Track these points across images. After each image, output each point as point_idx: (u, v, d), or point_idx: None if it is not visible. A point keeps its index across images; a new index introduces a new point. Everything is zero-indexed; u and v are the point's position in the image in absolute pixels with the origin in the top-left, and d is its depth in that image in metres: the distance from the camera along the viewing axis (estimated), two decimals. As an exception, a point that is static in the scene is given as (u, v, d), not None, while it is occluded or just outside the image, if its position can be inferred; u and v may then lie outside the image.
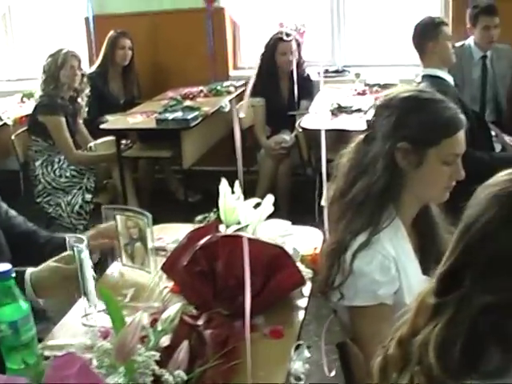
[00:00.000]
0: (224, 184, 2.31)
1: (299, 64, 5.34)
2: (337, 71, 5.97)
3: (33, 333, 1.62)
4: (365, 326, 1.95)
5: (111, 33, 5.79)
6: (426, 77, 4.04)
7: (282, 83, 5.52)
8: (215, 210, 2.29)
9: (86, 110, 5.16)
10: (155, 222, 2.83)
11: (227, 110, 5.27)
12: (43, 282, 1.98)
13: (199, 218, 2.34)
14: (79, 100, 5.04)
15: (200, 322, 1.81)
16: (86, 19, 6.33)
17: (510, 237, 1.08)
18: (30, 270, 2.00)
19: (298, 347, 1.87)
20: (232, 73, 6.23)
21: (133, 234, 2.27)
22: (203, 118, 4.81)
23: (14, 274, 1.59)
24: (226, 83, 5.80)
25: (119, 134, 5.00)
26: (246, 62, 6.06)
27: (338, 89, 5.52)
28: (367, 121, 2.07)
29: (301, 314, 2.07)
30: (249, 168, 5.49)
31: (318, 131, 4.46)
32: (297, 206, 4.98)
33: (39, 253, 2.26)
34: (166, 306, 1.94)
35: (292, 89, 5.35)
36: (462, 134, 1.97)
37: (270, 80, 5.44)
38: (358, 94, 5.28)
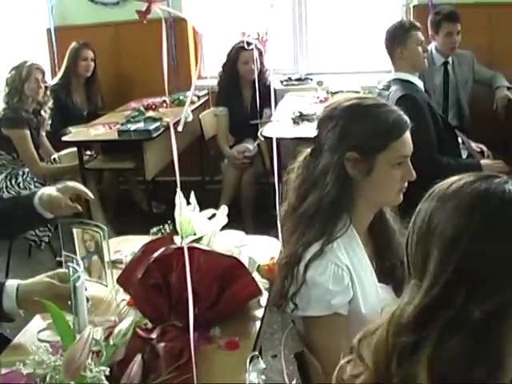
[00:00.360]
0: (179, 195, 2.31)
1: (261, 72, 5.34)
2: (299, 79, 5.98)
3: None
4: (319, 336, 1.95)
5: (73, 44, 5.73)
6: (396, 80, 4.05)
7: (244, 92, 5.52)
8: (169, 221, 2.28)
9: (49, 122, 5.12)
10: (120, 233, 2.81)
11: (190, 119, 5.23)
12: (33, 295, 1.91)
13: (154, 229, 2.33)
14: (42, 112, 5.00)
15: (154, 335, 1.80)
16: (48, 30, 6.27)
17: (504, 236, 1.08)
18: (15, 282, 1.97)
19: (253, 358, 1.87)
20: (196, 82, 6.21)
21: (89, 248, 2.25)
22: (165, 129, 4.79)
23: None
24: (188, 93, 5.79)
25: (82, 145, 4.96)
26: (209, 71, 6.05)
27: (300, 97, 5.53)
28: (315, 136, 2.05)
29: (257, 325, 2.07)
30: (213, 178, 5.49)
31: (280, 140, 4.52)
32: (261, 214, 4.98)
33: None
34: (122, 320, 1.93)
35: (254, 98, 5.36)
36: (407, 135, 1.96)
37: (233, 89, 5.45)
38: (321, 101, 5.28)
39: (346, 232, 1.96)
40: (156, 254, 2.01)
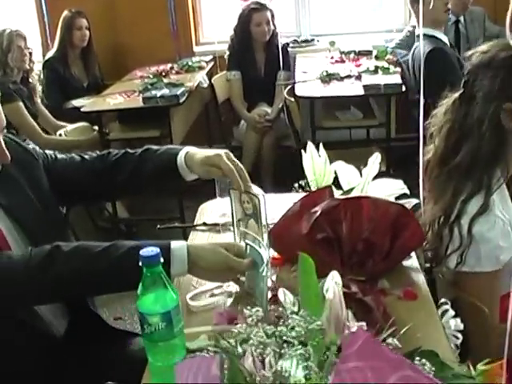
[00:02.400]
0: (310, 146, 2.23)
1: (273, 35, 5.23)
2: (306, 41, 5.89)
3: (183, 323, 1.45)
4: (480, 288, 1.92)
5: (65, 13, 5.49)
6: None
7: (257, 55, 5.38)
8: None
9: (47, 95, 4.89)
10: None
11: (205, 85, 5.15)
12: (204, 262, 1.77)
13: (301, 182, 2.21)
14: (31, 80, 4.79)
15: (354, 289, 1.71)
16: (38, 0, 6.01)
17: None
18: (182, 243, 1.78)
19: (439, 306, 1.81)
20: (196, 48, 6.08)
21: (247, 210, 2.07)
22: (188, 94, 4.65)
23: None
24: (194, 59, 5.65)
25: (95, 118, 4.76)
26: (212, 37, 5.93)
27: (311, 58, 5.45)
28: (464, 81, 1.98)
29: (420, 274, 2.00)
30: (228, 143, 5.36)
31: (312, 99, 4.46)
32: (283, 177, 4.88)
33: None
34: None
35: (268, 60, 5.28)
36: None
37: (245, 53, 5.32)
38: (336, 61, 5.21)
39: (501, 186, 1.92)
40: (321, 207, 1.91)
